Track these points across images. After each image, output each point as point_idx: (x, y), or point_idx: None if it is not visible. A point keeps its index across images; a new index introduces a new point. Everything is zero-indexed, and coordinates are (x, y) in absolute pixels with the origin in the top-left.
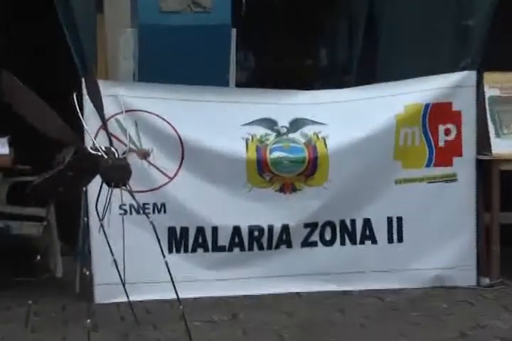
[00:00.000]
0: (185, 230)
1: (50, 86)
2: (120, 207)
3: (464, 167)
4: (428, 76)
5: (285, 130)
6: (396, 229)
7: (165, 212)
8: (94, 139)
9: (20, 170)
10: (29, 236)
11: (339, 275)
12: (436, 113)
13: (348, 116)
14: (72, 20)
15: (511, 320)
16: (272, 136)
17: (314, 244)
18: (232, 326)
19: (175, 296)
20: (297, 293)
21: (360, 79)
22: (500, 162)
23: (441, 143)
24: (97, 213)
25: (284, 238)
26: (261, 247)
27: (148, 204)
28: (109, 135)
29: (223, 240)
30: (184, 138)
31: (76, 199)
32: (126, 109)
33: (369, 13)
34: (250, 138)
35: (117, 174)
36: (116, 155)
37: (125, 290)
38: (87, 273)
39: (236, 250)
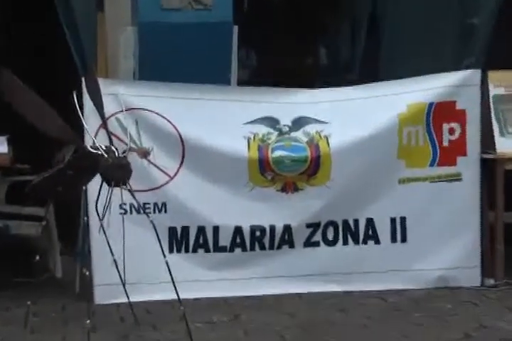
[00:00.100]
0: (186, 230)
1: (50, 85)
2: (120, 207)
3: (468, 166)
4: (432, 74)
5: (287, 129)
6: (399, 229)
7: (165, 211)
8: (94, 138)
9: (19, 169)
10: (28, 236)
11: (341, 275)
12: (440, 112)
13: (350, 115)
14: (73, 20)
15: None
16: (274, 135)
17: (317, 244)
18: (233, 327)
19: (175, 297)
20: (298, 293)
21: (363, 78)
22: (505, 161)
23: (445, 143)
24: (97, 213)
25: (286, 238)
26: (263, 247)
27: (148, 203)
28: (109, 134)
29: (224, 240)
30: (185, 136)
31: (76, 198)
32: (127, 107)
33: (372, 11)
34: (252, 136)
35: (117, 173)
36: (117, 154)
37: (125, 290)
38: (87, 273)
39: (237, 250)
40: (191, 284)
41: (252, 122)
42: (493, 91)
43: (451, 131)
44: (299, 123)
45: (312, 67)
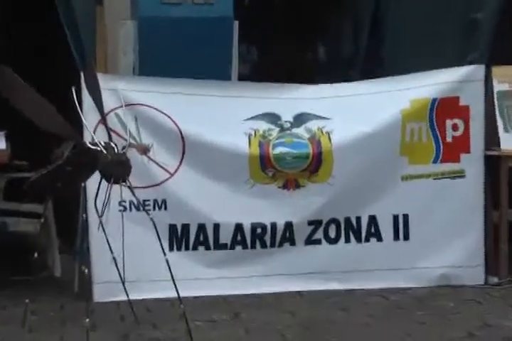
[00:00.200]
0: (186, 227)
1: (50, 81)
2: (120, 204)
3: (472, 163)
4: (435, 70)
5: (289, 125)
6: (402, 227)
7: (165, 208)
8: (93, 134)
9: (17, 166)
10: (26, 234)
11: (343, 273)
12: (444, 108)
13: (352, 111)
14: (73, 20)
15: None
16: (275, 131)
17: (318, 241)
18: (234, 325)
19: (175, 295)
20: (299, 291)
21: (365, 75)
22: (509, 158)
23: (448, 139)
24: (96, 210)
25: (287, 236)
26: (264, 245)
27: (148, 200)
28: (109, 130)
29: (225, 238)
30: (185, 132)
31: (74, 195)
32: (126, 103)
33: (375, 7)
34: (253, 133)
35: (117, 170)
36: (116, 151)
37: (125, 288)
38: (86, 271)
39: (238, 248)
40: (191, 282)
41: (253, 118)
42: (497, 87)
43: (455, 128)
44: (300, 119)
45: (313, 63)
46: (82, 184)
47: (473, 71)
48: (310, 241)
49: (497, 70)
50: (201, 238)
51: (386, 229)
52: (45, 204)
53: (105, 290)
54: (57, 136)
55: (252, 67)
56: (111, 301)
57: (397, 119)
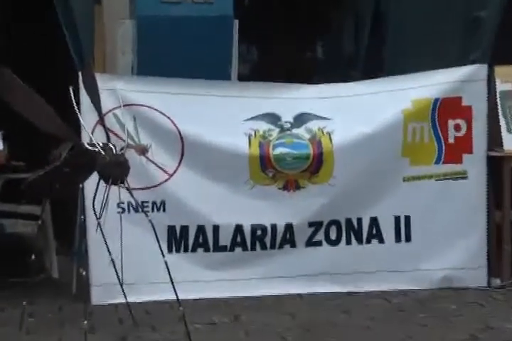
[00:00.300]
0: (185, 229)
1: (48, 82)
2: (118, 205)
3: (475, 164)
4: (437, 70)
5: (289, 125)
6: (404, 228)
7: (164, 210)
8: (91, 134)
9: (14, 167)
10: (23, 235)
11: (344, 275)
12: (446, 108)
13: (354, 111)
14: (72, 20)
15: None
16: (276, 132)
17: (319, 243)
18: (234, 328)
19: (174, 297)
20: (299, 294)
21: (367, 74)
22: None
23: (450, 139)
24: (94, 211)
25: (287, 237)
26: (264, 247)
27: (147, 202)
28: (107, 130)
29: (225, 239)
30: (184, 133)
31: (72, 196)
32: (125, 103)
33: (376, 6)
34: (253, 133)
35: (115, 171)
36: (114, 151)
37: (123, 290)
38: (84, 273)
39: (238, 250)
40: (191, 284)
41: (253, 118)
42: (500, 86)
43: (457, 128)
44: (300, 119)
45: (314, 63)
46: (80, 185)
47: (476, 70)
48: (311, 242)
49: (500, 70)
50: (200, 240)
51: (387, 230)
52: (42, 206)
53: (103, 292)
54: (55, 137)
55: (251, 67)
56: (109, 303)
57: (398, 119)
